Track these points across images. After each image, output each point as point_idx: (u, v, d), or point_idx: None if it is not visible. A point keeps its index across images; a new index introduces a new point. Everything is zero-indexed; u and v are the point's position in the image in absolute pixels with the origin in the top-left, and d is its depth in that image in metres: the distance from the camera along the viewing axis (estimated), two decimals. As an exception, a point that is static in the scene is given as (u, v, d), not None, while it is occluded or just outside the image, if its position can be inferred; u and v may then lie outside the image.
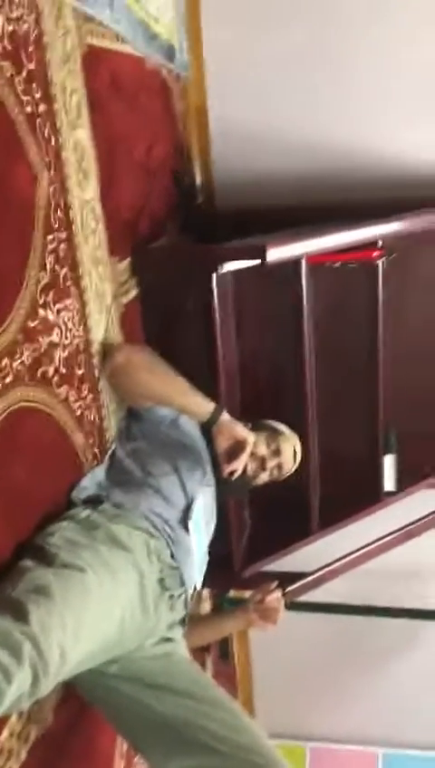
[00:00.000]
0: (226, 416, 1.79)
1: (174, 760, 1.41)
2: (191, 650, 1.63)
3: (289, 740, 3.18)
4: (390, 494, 2.47)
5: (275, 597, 1.85)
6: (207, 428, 1.79)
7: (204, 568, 1.79)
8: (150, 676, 1.45)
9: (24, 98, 1.34)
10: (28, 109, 1.36)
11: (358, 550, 2.39)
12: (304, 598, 2.40)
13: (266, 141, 2.46)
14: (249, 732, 1.42)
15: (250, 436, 1.79)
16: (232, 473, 1.79)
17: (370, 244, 2.13)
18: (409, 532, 2.51)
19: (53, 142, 1.46)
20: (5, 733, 1.30)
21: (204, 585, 1.90)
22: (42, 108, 1.41)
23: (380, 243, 2.16)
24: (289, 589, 2.31)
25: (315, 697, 3.37)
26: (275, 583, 1.89)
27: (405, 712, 3.31)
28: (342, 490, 2.39)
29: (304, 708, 3.37)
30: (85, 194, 1.62)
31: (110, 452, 1.75)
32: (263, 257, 1.82)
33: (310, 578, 2.33)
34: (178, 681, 1.47)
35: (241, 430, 1.78)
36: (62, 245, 1.50)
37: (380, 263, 2.19)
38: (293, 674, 3.31)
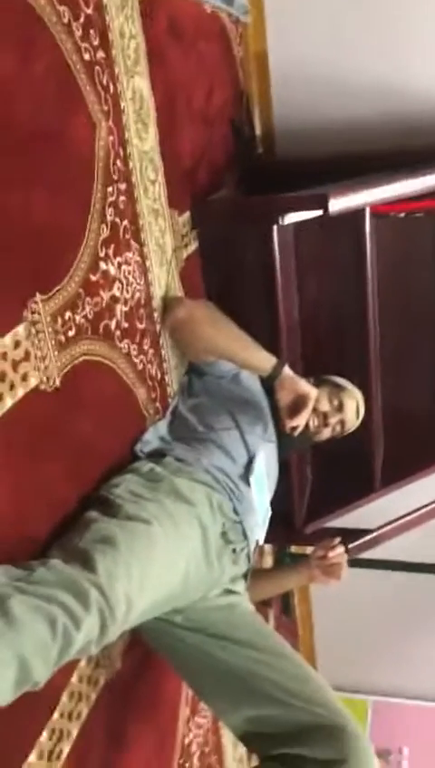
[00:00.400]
0: (288, 371, 1.76)
1: (238, 710, 1.43)
2: (254, 604, 1.64)
3: (351, 693, 3.20)
4: (455, 450, 2.41)
5: (338, 552, 1.84)
6: (269, 383, 1.77)
7: (266, 523, 1.79)
8: (215, 627, 1.46)
9: (83, 44, 1.31)
10: (86, 56, 1.33)
11: (422, 507, 2.35)
12: (366, 555, 2.39)
13: (329, 87, 2.36)
14: (313, 683, 1.42)
15: (313, 392, 1.76)
16: (294, 428, 1.77)
17: (437, 192, 2.04)
18: (475, 490, 2.45)
19: (111, 90, 1.43)
20: (75, 677, 1.34)
21: (266, 540, 1.90)
22: (100, 55, 1.38)
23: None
24: (351, 545, 2.30)
25: (378, 652, 3.37)
26: (339, 539, 1.88)
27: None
28: (405, 446, 2.34)
29: (367, 663, 3.38)
30: (144, 144, 1.60)
31: (171, 407, 1.75)
32: (325, 207, 1.76)
33: (372, 535, 2.31)
34: (241, 632, 1.48)
35: (304, 385, 1.75)
36: (122, 198, 1.49)
37: (447, 211, 2.10)
38: (355, 629, 3.31)
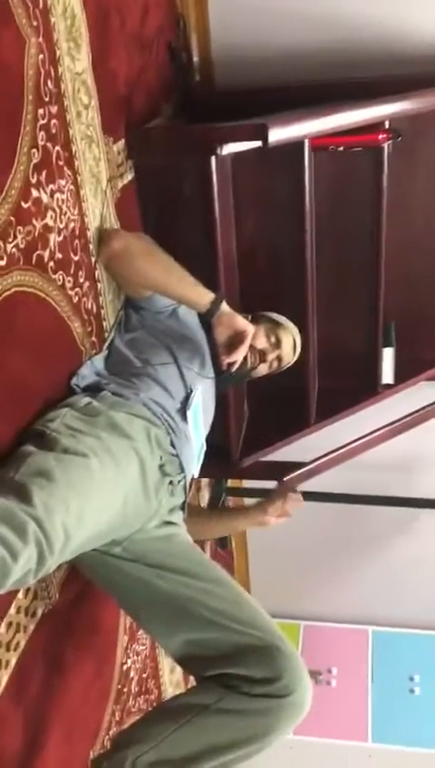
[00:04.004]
0: (225, 306, 1.75)
1: (176, 635, 1.47)
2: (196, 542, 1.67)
3: (284, 619, 3.34)
4: (388, 386, 2.48)
5: (296, 499, 1.88)
6: (207, 319, 1.76)
7: (201, 458, 1.81)
8: (153, 556, 1.49)
9: None
10: (12, -36, 1.25)
11: (355, 441, 2.43)
12: (299, 487, 2.46)
13: (270, 14, 2.29)
14: (249, 607, 1.48)
15: (250, 328, 1.76)
16: (231, 364, 1.78)
17: (376, 126, 2.03)
18: (405, 424, 2.54)
19: (41, 5, 1.35)
20: (13, 608, 1.35)
21: (204, 474, 1.93)
22: (27, -36, 1.30)
23: (387, 124, 2.05)
24: (286, 478, 2.37)
25: (310, 580, 3.52)
26: (299, 493, 1.91)
27: (394, 593, 3.47)
28: (340, 382, 2.39)
29: (299, 590, 3.53)
30: (76, 65, 1.52)
31: (108, 341, 1.73)
32: (265, 138, 1.73)
33: (307, 467, 2.38)
34: (179, 561, 1.51)
35: (241, 321, 1.75)
36: (54, 121, 1.42)
37: (386, 146, 2.09)
38: (288, 558, 3.44)
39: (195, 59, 2.36)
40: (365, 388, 2.46)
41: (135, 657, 2.09)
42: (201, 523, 1.86)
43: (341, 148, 2.08)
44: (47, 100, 1.39)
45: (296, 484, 2.37)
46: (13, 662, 1.35)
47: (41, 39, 1.35)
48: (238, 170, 2.06)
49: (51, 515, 1.14)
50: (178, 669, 2.46)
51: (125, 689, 2.01)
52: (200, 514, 1.90)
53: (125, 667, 2.01)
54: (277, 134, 1.75)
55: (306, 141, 1.93)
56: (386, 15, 2.22)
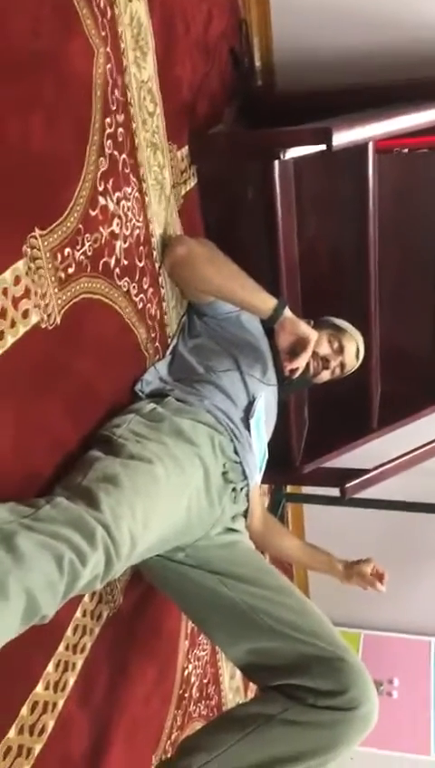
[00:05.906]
0: (288, 312, 1.73)
1: (240, 643, 1.46)
2: (274, 557, 1.65)
3: (344, 627, 3.29)
4: (452, 392, 2.42)
5: (379, 588, 1.85)
6: (270, 325, 1.75)
7: (263, 465, 1.80)
8: (216, 563, 1.49)
9: (78, -37, 1.24)
10: (82, -24, 1.26)
11: (420, 447, 2.37)
12: (362, 494, 2.42)
13: (332, 16, 2.26)
14: (314, 616, 1.46)
15: (313, 334, 1.73)
16: (293, 371, 1.76)
17: (442, 127, 1.98)
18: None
19: (108, 15, 1.37)
20: (79, 611, 1.37)
21: (264, 480, 1.91)
22: (96, -25, 1.31)
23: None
24: (348, 485, 2.33)
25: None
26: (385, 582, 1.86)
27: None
28: (403, 387, 2.35)
29: (359, 598, 3.45)
30: (142, 74, 1.53)
31: (171, 347, 1.73)
32: (328, 142, 1.71)
33: (369, 474, 2.34)
34: (243, 568, 1.50)
35: (304, 327, 1.73)
36: (120, 130, 1.43)
37: (452, 147, 2.05)
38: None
39: (257, 63, 2.36)
40: (428, 394, 2.41)
41: (196, 663, 2.09)
42: (298, 550, 1.93)
43: (405, 150, 2.05)
44: (114, 108, 1.40)
45: (357, 490, 2.34)
46: (79, 665, 1.37)
47: (108, 48, 1.37)
48: (301, 173, 2.05)
49: (118, 521, 1.14)
50: (239, 675, 2.45)
51: (186, 695, 2.02)
52: (290, 537, 1.97)
53: (186, 673, 2.02)
54: (341, 137, 1.73)
55: (370, 144, 1.90)
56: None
